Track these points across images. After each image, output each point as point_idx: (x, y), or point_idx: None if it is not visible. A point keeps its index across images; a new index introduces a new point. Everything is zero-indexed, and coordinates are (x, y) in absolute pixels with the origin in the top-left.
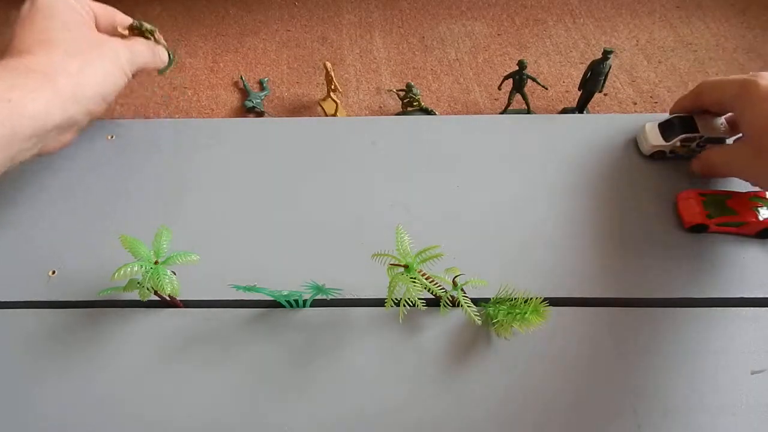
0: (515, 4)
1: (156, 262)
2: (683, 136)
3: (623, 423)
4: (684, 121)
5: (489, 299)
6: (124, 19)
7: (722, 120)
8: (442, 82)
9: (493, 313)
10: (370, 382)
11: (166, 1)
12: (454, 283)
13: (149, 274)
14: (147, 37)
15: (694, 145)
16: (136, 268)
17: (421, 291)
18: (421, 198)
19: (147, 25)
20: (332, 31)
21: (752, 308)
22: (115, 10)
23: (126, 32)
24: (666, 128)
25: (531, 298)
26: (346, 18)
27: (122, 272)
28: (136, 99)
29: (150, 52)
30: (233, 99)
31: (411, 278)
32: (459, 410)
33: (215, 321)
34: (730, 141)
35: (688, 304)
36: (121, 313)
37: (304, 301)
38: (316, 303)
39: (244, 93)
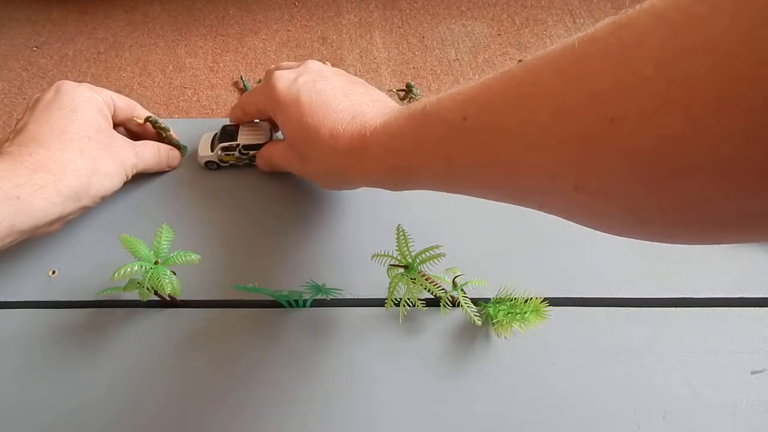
0: (515, 4)
1: (156, 262)
2: (222, 144)
3: (623, 423)
4: (227, 131)
5: (489, 299)
6: (142, 112)
7: (266, 125)
8: (442, 82)
9: (493, 313)
10: (370, 381)
11: (166, 1)
12: (454, 284)
13: (149, 274)
14: (160, 133)
15: (236, 153)
16: (136, 268)
17: (420, 291)
18: (421, 198)
19: (161, 123)
20: (332, 31)
21: (752, 308)
22: (136, 104)
23: (141, 122)
24: (213, 138)
25: (531, 298)
26: (346, 18)
27: (122, 272)
28: (136, 99)
29: (155, 159)
30: (233, 99)
31: (411, 279)
32: (459, 410)
33: (215, 321)
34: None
35: (688, 304)
36: (121, 313)
37: (304, 301)
38: (316, 303)
39: (244, 93)
